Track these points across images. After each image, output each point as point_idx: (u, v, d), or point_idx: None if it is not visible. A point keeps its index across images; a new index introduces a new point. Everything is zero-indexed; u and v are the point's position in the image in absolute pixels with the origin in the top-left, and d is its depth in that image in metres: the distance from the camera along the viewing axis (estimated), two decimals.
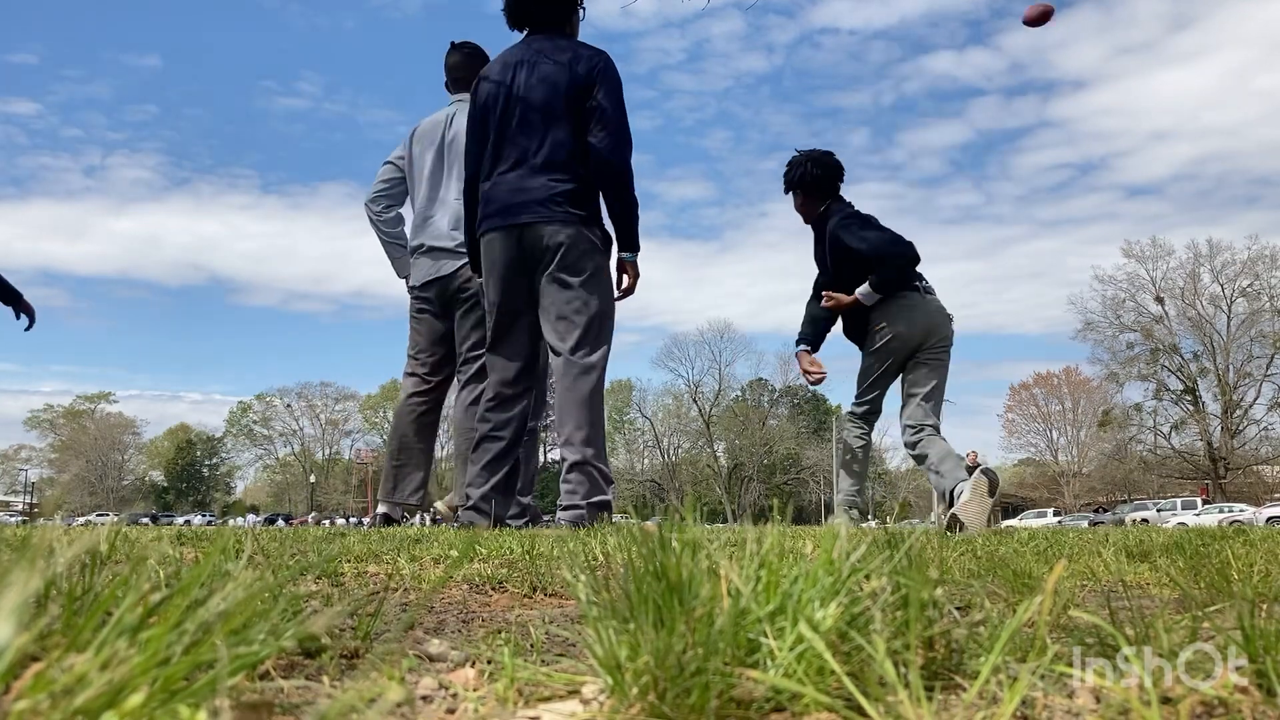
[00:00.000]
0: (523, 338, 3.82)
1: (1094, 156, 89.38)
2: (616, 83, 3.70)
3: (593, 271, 3.70)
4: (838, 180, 4.83)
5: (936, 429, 4.69)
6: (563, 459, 3.64)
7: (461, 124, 4.39)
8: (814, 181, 4.78)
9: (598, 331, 3.70)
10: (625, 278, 3.84)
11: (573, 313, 3.66)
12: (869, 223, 4.70)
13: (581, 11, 3.98)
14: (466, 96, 4.52)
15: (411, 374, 4.57)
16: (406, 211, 4.75)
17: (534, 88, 3.69)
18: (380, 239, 4.72)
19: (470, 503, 3.72)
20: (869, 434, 4.90)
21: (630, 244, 3.78)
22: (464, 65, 4.62)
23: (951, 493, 4.34)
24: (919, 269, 4.71)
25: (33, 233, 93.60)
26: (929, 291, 4.75)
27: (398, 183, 4.66)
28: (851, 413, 4.86)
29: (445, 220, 4.38)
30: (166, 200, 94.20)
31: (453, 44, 4.69)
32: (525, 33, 3.90)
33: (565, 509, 3.57)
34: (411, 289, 4.57)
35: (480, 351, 4.24)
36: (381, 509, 4.42)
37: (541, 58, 3.73)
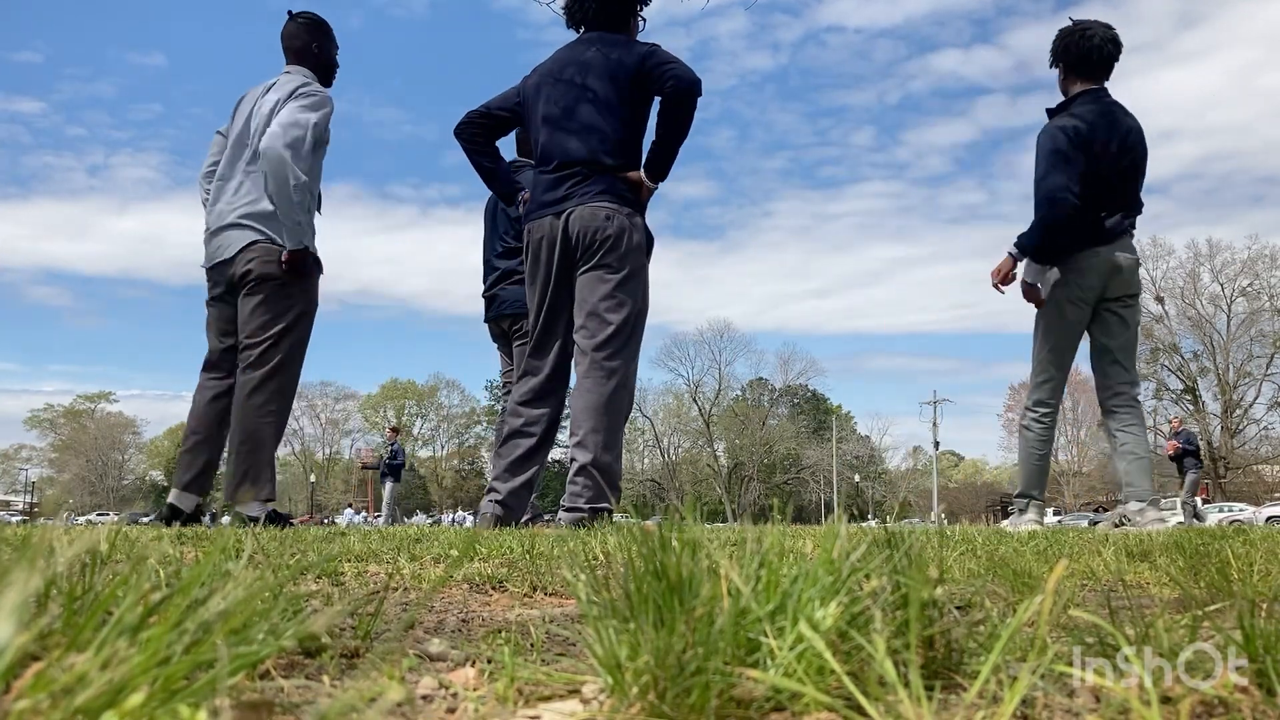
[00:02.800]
0: (562, 334, 3.77)
1: None
2: (674, 57, 3.62)
3: (633, 271, 3.65)
4: (1085, 62, 4.15)
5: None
6: (573, 459, 3.58)
7: (270, 100, 4.08)
8: (1055, 56, 4.26)
9: (629, 334, 3.63)
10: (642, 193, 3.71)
11: (606, 310, 3.60)
12: (1070, 145, 3.96)
13: (642, 21, 3.93)
14: (296, 68, 4.26)
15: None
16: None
17: (585, 80, 3.65)
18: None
19: (499, 497, 3.64)
20: (1044, 423, 4.34)
21: (663, 174, 3.69)
22: (296, 34, 4.28)
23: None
24: (1103, 216, 4.03)
25: (35, 232, 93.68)
26: (1106, 240, 4.04)
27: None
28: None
29: (227, 198, 4.11)
30: (169, 199, 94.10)
31: (289, 13, 4.35)
32: (581, 31, 3.88)
33: (568, 510, 3.55)
34: (204, 268, 4.25)
35: (263, 336, 4.02)
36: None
37: (592, 52, 3.70)
